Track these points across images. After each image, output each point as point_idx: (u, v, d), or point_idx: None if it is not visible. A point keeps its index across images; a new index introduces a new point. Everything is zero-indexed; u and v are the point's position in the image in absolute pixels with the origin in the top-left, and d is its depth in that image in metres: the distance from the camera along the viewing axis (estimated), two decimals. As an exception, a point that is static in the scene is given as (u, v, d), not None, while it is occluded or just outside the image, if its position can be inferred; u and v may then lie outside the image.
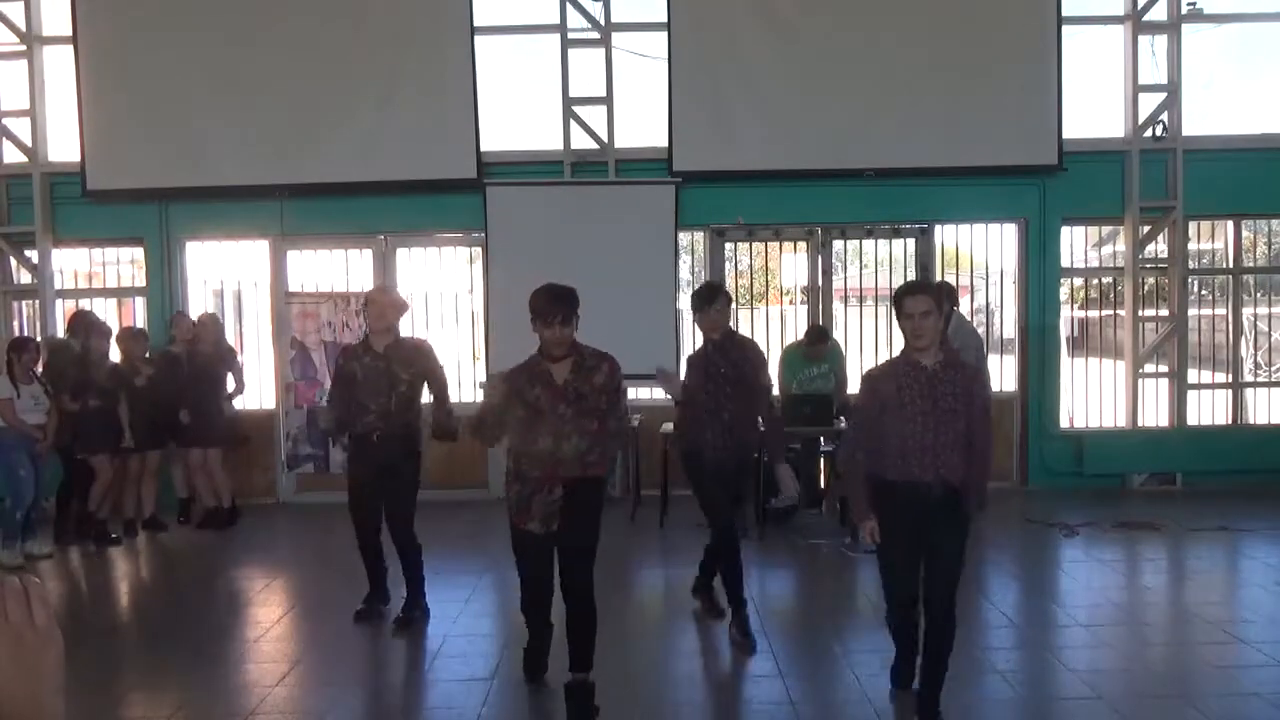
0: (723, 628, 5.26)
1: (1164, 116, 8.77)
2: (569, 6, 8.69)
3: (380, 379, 5.32)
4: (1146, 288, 9.16)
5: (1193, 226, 9.11)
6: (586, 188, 8.71)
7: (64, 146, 8.95)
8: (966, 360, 4.71)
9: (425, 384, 5.53)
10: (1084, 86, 9.20)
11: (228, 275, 9.41)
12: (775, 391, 6.29)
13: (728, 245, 9.02)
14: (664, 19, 8.53)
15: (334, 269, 9.09)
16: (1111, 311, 9.37)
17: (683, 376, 5.55)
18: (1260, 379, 10.13)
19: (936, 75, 8.44)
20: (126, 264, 9.50)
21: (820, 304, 8.95)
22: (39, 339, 7.95)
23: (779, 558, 6.85)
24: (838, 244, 9.26)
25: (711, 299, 5.19)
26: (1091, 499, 8.22)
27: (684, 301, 8.96)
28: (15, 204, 8.98)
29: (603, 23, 8.73)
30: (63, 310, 8.80)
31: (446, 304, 9.25)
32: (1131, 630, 5.32)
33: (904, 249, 9.06)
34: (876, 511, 3.99)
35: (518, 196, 8.63)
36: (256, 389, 8.89)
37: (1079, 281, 9.82)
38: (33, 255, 8.91)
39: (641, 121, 8.95)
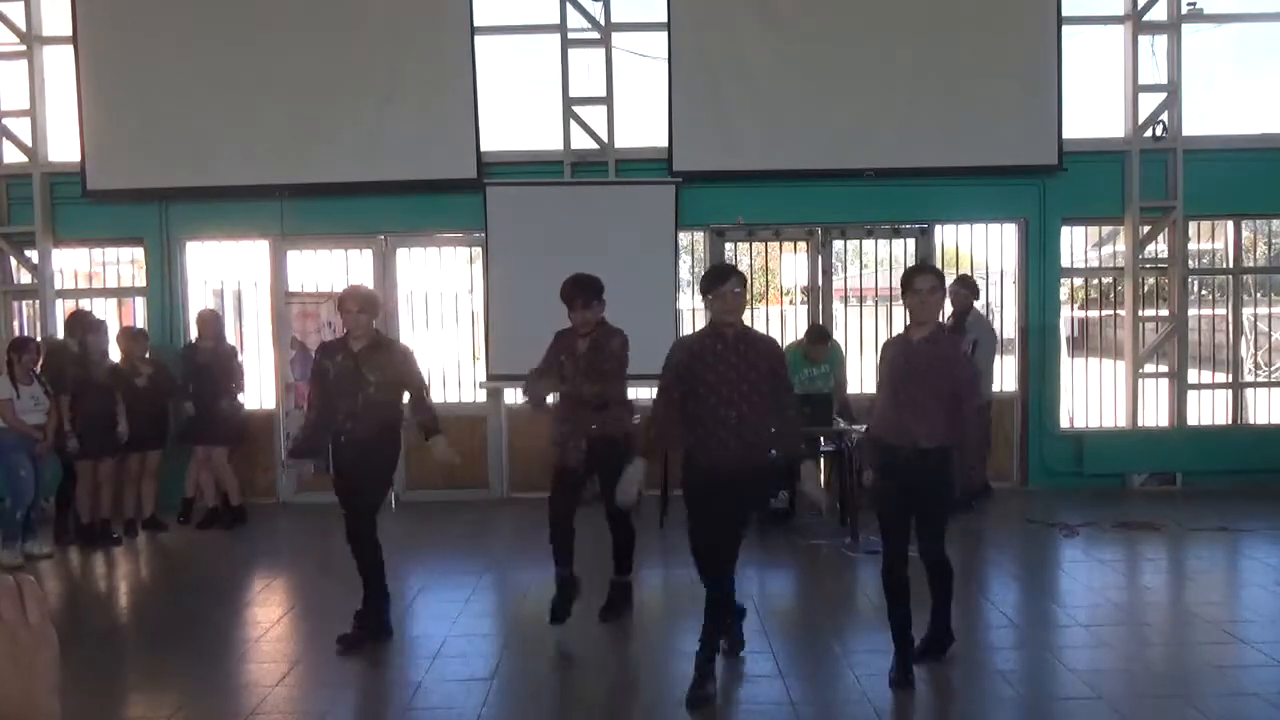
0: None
1: (1164, 116, 8.77)
2: (569, 6, 8.69)
3: (348, 379, 5.17)
4: (1146, 288, 9.16)
5: (1193, 226, 9.11)
6: (586, 188, 8.71)
7: (64, 146, 8.94)
8: (958, 342, 5.38)
9: (402, 388, 5.31)
10: (1084, 86, 9.20)
11: (228, 275, 9.42)
12: None
13: (728, 245, 9.02)
14: (664, 19, 8.53)
15: (334, 269, 9.09)
16: (1111, 311, 9.37)
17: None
18: (1260, 379, 10.13)
19: (936, 75, 8.44)
20: (126, 264, 9.50)
21: (820, 304, 8.95)
22: (39, 339, 7.94)
23: (779, 558, 6.85)
24: (838, 244, 9.26)
25: (725, 276, 4.38)
26: (1091, 499, 8.21)
27: (684, 301, 8.98)
28: (15, 204, 8.98)
29: (603, 23, 8.73)
30: (63, 310, 8.80)
31: (446, 304, 9.25)
32: (1131, 630, 5.32)
33: (904, 249, 9.06)
34: (875, 470, 4.62)
35: (518, 196, 8.63)
36: (257, 389, 8.89)
37: (1079, 281, 9.82)
38: (33, 255, 8.91)
39: (641, 121, 8.95)
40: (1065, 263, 9.05)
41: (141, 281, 9.17)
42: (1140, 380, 8.96)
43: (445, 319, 9.24)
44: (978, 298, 8.17)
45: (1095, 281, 9.54)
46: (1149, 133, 8.75)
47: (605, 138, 8.78)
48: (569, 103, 8.78)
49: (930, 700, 4.52)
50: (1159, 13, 8.75)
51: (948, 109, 8.43)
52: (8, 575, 0.90)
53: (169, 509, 8.11)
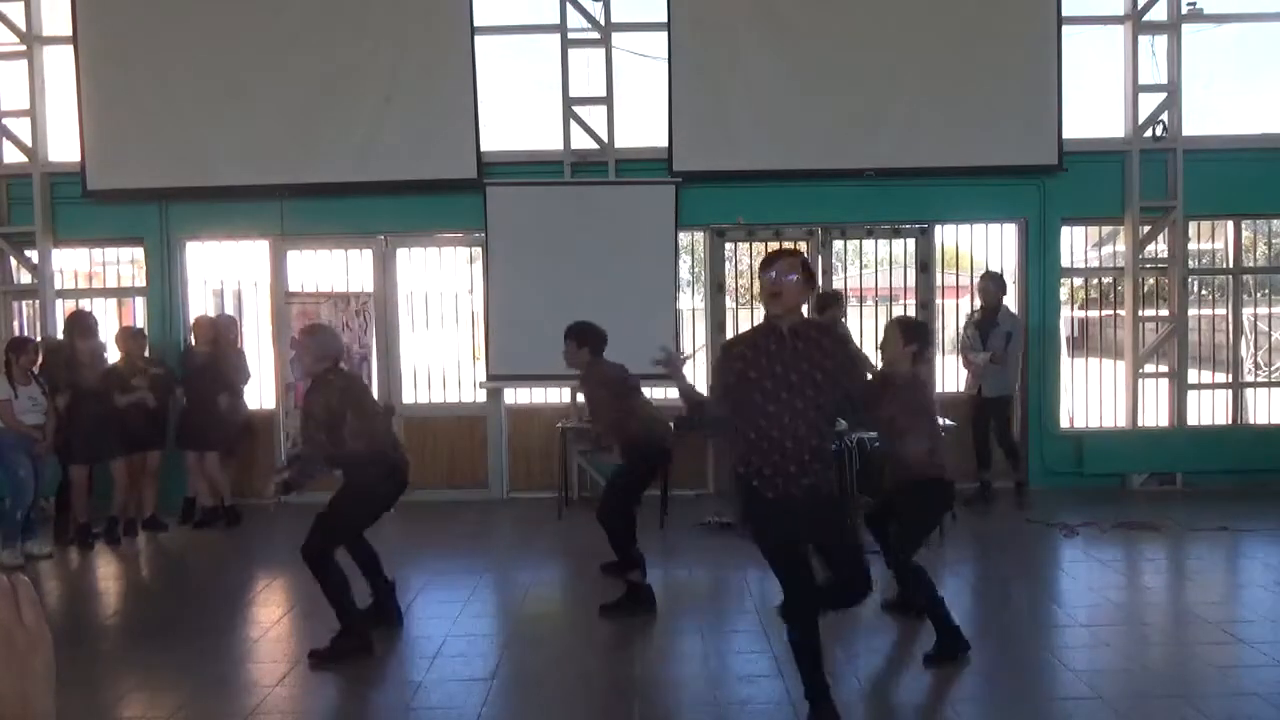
0: (720, 628, 5.26)
1: (1164, 116, 8.76)
2: (569, 6, 8.69)
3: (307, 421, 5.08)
4: (1146, 288, 9.15)
5: (1193, 226, 9.10)
6: (586, 188, 8.71)
7: (64, 146, 8.95)
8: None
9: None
10: (1084, 86, 9.22)
11: (228, 275, 9.42)
12: None
13: (728, 245, 9.02)
14: (664, 19, 8.53)
15: (334, 269, 9.09)
16: (1111, 311, 9.37)
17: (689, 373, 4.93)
18: (1260, 379, 10.12)
19: (936, 75, 8.44)
20: (126, 264, 9.50)
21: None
22: (38, 340, 7.95)
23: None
24: (838, 244, 9.25)
25: (769, 261, 3.83)
26: (1091, 499, 8.21)
27: (684, 301, 8.97)
28: (15, 204, 8.99)
29: (603, 23, 8.73)
30: (62, 310, 8.80)
31: (446, 304, 9.25)
32: (1131, 630, 5.32)
33: (904, 249, 9.06)
34: None
35: (518, 196, 8.63)
36: (257, 389, 8.89)
37: (1079, 281, 9.81)
38: (33, 255, 8.92)
39: (641, 121, 8.96)
40: (1065, 263, 9.05)
41: (141, 281, 9.17)
42: (1140, 380, 8.96)
43: (445, 319, 9.24)
44: (1005, 293, 8.23)
45: (1095, 281, 9.54)
46: (1149, 133, 8.75)
47: (605, 138, 8.78)
48: (569, 103, 8.78)
49: (930, 700, 4.52)
50: (1159, 13, 8.75)
51: (948, 109, 8.43)
52: (2, 576, 0.90)
53: (171, 509, 8.11)
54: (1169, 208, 8.76)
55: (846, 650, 4.95)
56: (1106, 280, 9.43)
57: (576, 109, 8.80)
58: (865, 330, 9.08)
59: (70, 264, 9.52)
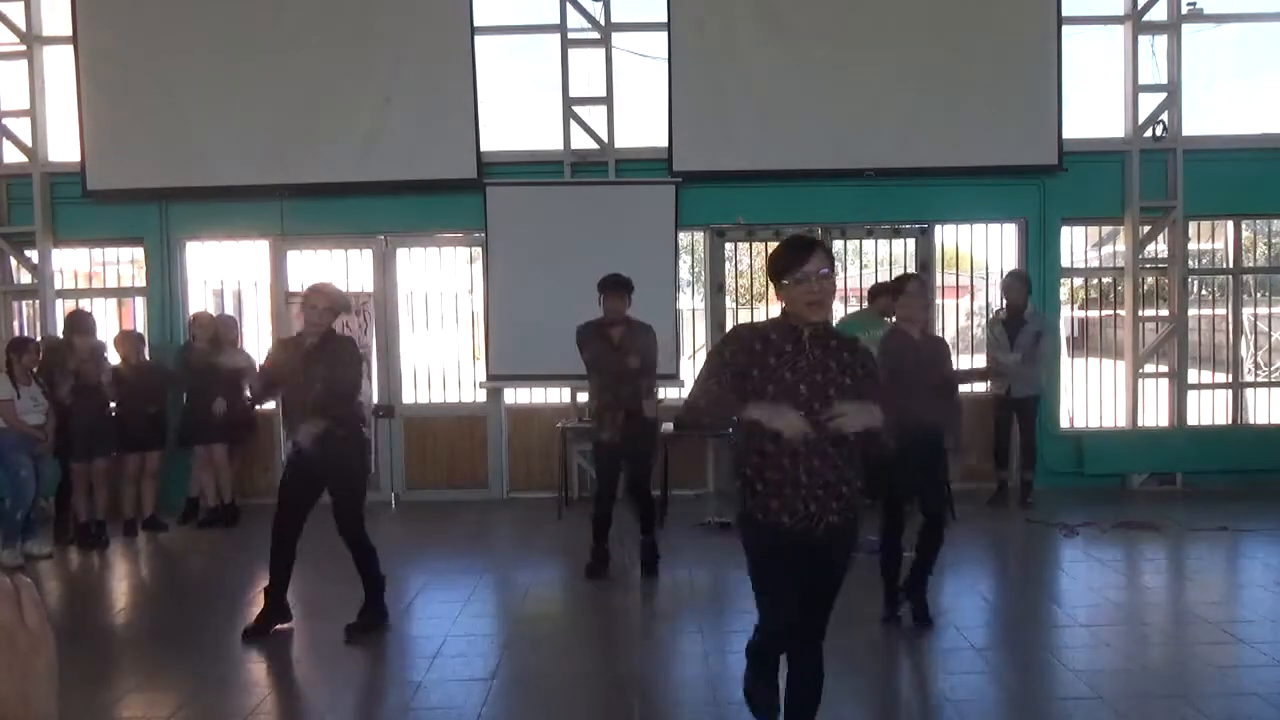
0: (720, 628, 5.25)
1: (1164, 116, 8.76)
2: (569, 6, 8.69)
3: (298, 378, 5.12)
4: (1146, 288, 9.15)
5: (1193, 226, 9.11)
6: (586, 188, 8.71)
7: (64, 146, 8.94)
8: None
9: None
10: (1084, 86, 9.22)
11: (228, 275, 9.41)
12: None
13: (728, 245, 9.02)
14: (664, 19, 8.53)
15: (334, 269, 9.09)
16: (1111, 311, 9.37)
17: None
18: (1260, 379, 10.12)
19: (936, 75, 8.44)
20: (126, 264, 9.50)
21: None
22: (38, 339, 7.95)
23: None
24: (838, 244, 9.24)
25: (807, 250, 3.18)
26: (1091, 499, 8.21)
27: (684, 301, 8.97)
28: (15, 204, 8.98)
29: (603, 23, 8.73)
30: (62, 310, 8.80)
31: (446, 304, 9.24)
32: (1131, 630, 5.31)
33: (904, 249, 9.06)
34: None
35: (518, 196, 8.63)
36: (256, 389, 8.88)
37: (1079, 281, 9.81)
38: (33, 255, 8.91)
39: (641, 121, 8.95)
40: (1065, 263, 9.05)
41: (141, 281, 9.17)
42: (1140, 380, 8.96)
43: (445, 319, 9.24)
44: (1030, 291, 8.22)
45: (1095, 281, 9.54)
46: (1149, 133, 8.75)
47: (605, 138, 8.78)
48: (569, 103, 8.78)
49: (929, 699, 4.52)
50: (1159, 13, 8.75)
51: (948, 109, 8.43)
52: (5, 577, 0.90)
53: (171, 509, 8.11)
54: (1169, 208, 8.76)
55: (847, 651, 4.94)
56: (1106, 280, 9.42)
57: (576, 109, 8.80)
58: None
59: (70, 264, 9.51)
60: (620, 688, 4.55)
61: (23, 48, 8.89)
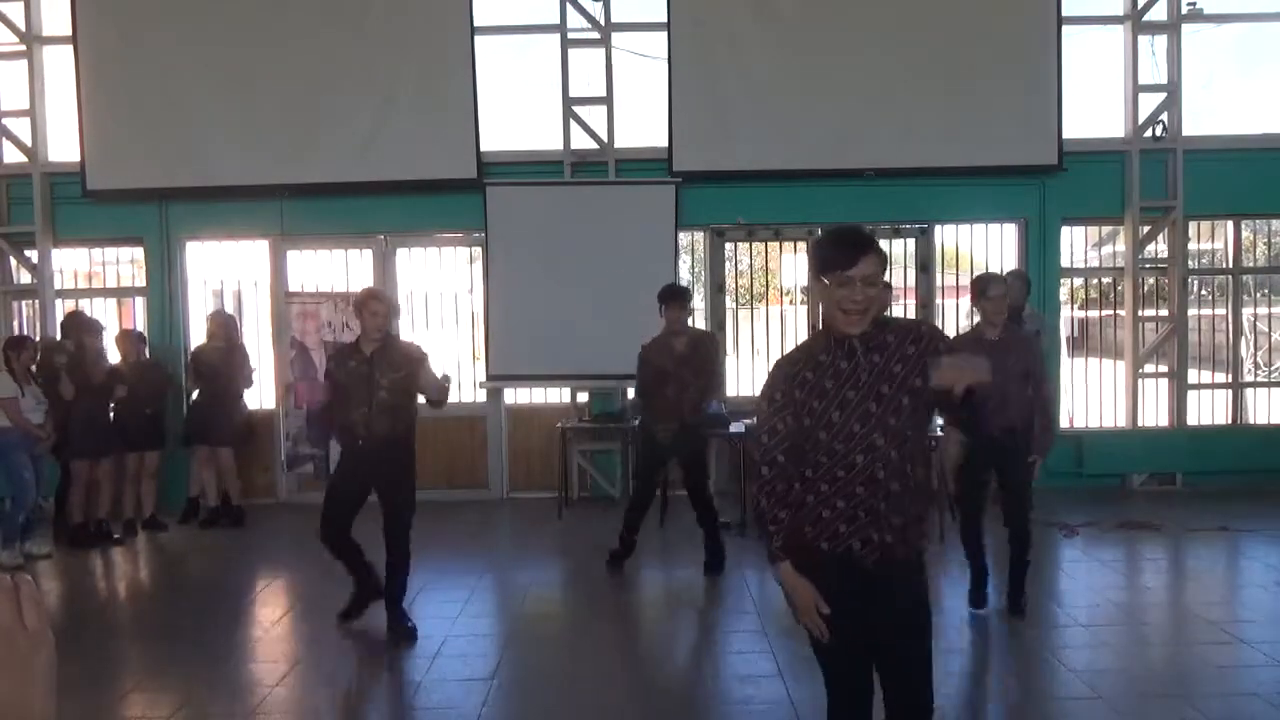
0: (720, 628, 5.25)
1: (1164, 116, 8.76)
2: (569, 6, 8.69)
3: (361, 385, 5.12)
4: (1146, 288, 9.15)
5: (1193, 226, 9.10)
6: (586, 188, 8.71)
7: (64, 146, 8.94)
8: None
9: (415, 392, 5.24)
10: (1084, 86, 9.20)
11: (228, 275, 9.41)
12: None
13: (728, 245, 9.02)
14: (664, 19, 8.52)
15: (334, 269, 9.09)
16: (1111, 311, 9.37)
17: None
18: (1260, 379, 10.12)
19: (936, 75, 8.44)
20: (126, 264, 9.50)
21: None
22: (36, 339, 7.95)
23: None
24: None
25: (858, 248, 2.72)
26: (1091, 499, 8.21)
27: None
28: (15, 204, 8.98)
29: (603, 23, 8.72)
30: (62, 310, 8.80)
31: (446, 304, 9.24)
32: (1131, 630, 5.32)
33: (904, 249, 9.06)
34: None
35: (518, 196, 8.62)
36: (257, 389, 8.88)
37: (1079, 281, 9.81)
38: (33, 255, 8.91)
39: (641, 121, 8.95)
40: (1065, 263, 9.04)
41: (141, 281, 9.17)
42: (1140, 380, 8.95)
43: (445, 319, 9.23)
44: (1030, 291, 8.22)
45: (1095, 281, 9.54)
46: (1149, 133, 8.75)
47: (605, 138, 8.77)
48: (569, 103, 8.78)
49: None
50: (1159, 13, 8.75)
51: (948, 109, 8.42)
52: (4, 576, 0.90)
53: (171, 509, 8.11)
54: (1169, 208, 8.76)
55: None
56: (1106, 280, 9.42)
57: (576, 109, 8.80)
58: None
59: (70, 264, 9.51)
60: (620, 688, 4.55)
61: (23, 48, 8.89)
